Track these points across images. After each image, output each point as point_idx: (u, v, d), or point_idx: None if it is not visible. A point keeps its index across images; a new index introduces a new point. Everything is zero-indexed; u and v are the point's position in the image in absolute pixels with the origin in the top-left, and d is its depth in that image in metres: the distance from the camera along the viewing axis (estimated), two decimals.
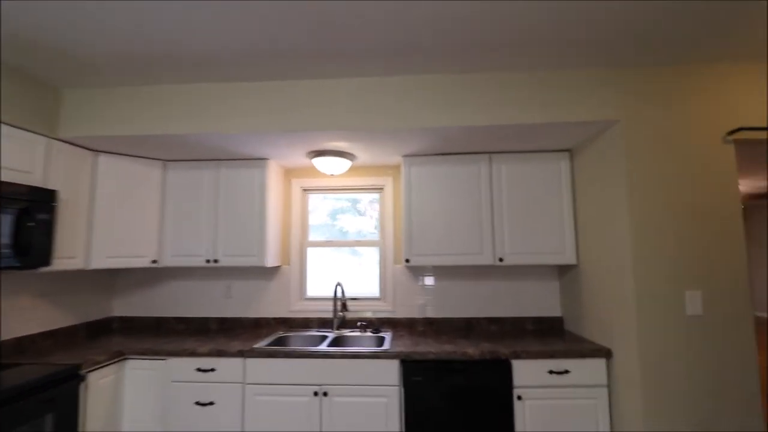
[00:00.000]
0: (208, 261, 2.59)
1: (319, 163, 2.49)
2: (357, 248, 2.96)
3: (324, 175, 2.94)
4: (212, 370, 2.19)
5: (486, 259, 2.47)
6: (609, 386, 2.09)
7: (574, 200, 2.50)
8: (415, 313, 2.76)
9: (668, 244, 1.89)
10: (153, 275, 2.95)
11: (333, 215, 3.05)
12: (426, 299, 2.78)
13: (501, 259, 2.46)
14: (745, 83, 1.95)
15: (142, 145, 2.33)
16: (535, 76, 2.03)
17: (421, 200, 2.54)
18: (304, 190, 2.99)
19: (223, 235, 2.60)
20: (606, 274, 2.13)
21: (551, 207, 2.50)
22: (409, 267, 2.81)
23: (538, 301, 2.74)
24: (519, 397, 2.07)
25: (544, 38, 1.74)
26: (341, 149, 2.45)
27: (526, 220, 2.49)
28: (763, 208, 7.12)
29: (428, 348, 2.18)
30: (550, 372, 2.08)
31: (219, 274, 2.90)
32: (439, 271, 2.80)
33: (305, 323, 2.80)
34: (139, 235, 2.54)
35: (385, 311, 2.78)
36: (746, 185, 5.04)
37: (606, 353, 2.08)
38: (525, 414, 2.06)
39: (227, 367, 2.19)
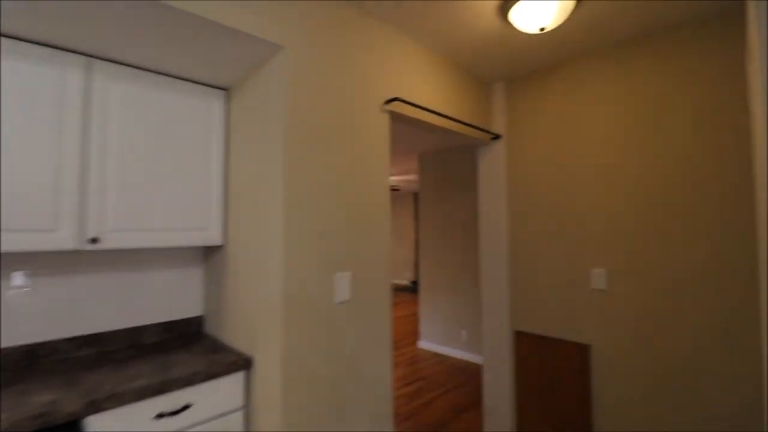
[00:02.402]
0: None
1: None
2: None
3: None
4: None
5: (63, 240, 1.39)
6: (246, 408, 1.57)
7: (227, 157, 1.84)
8: None
9: (321, 219, 1.54)
10: None
11: None
12: None
13: (95, 240, 1.45)
14: (408, 57, 1.90)
15: None
16: None
17: None
18: None
19: None
20: (253, 256, 1.58)
21: (195, 164, 1.73)
22: None
23: (171, 298, 1.92)
24: None
25: None
26: None
27: (151, 180, 1.60)
28: None
29: None
30: (159, 416, 1.32)
31: None
32: None
33: None
34: None
35: None
36: None
37: (245, 363, 1.55)
38: None
39: None
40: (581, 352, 2.16)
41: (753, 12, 0.90)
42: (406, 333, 5.30)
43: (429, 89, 2.04)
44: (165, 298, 1.89)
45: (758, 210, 1.51)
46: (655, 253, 1.92)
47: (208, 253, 1.98)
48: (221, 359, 1.55)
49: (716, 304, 1.74)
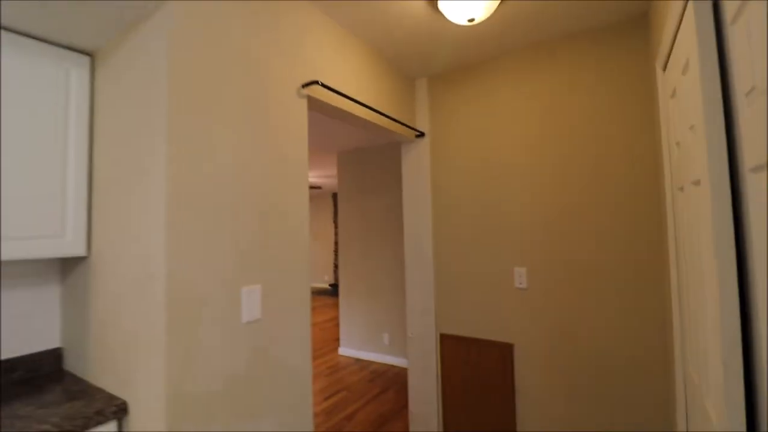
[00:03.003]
0: None
1: None
2: None
3: None
4: None
5: None
6: None
7: (93, 141, 1.43)
8: None
9: (221, 218, 1.25)
10: None
11: None
12: None
13: None
14: (328, 37, 1.68)
15: None
16: None
17: None
18: None
19: None
20: (128, 268, 1.23)
21: (43, 149, 1.30)
22: None
23: (13, 328, 1.43)
24: None
25: None
26: None
27: None
28: None
29: None
30: None
31: None
32: None
33: None
34: None
35: None
36: None
37: (118, 410, 1.19)
38: None
39: None
40: (505, 351, 2.16)
41: (691, 14, 0.88)
42: (325, 340, 5.04)
43: (352, 77, 1.85)
44: (3, 330, 1.40)
45: (666, 202, 1.61)
46: (568, 248, 1.99)
47: (68, 267, 1.52)
48: (83, 409, 1.16)
49: (626, 294, 1.85)
